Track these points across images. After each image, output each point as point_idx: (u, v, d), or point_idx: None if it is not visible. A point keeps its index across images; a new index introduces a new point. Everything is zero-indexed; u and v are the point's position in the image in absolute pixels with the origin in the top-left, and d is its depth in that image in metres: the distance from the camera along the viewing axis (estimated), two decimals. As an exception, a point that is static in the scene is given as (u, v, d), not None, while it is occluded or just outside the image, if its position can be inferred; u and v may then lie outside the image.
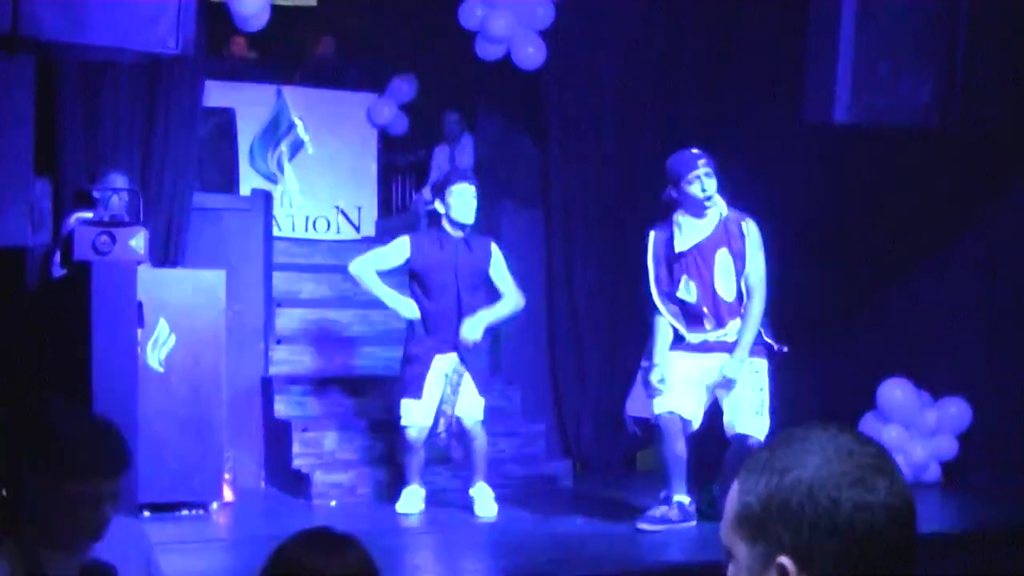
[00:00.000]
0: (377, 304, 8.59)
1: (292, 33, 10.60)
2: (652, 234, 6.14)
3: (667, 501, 5.98)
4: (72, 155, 7.27)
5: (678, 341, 6.05)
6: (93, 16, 5.31)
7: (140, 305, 5.97)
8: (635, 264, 8.54)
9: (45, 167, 6.85)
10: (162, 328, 6.47)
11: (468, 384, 6.56)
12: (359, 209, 10.36)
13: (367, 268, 6.69)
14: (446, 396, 6.51)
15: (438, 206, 6.62)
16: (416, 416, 6.49)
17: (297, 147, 10.24)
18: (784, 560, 1.44)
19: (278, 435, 7.49)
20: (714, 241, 6.00)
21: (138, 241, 5.84)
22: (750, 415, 5.93)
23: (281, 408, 7.64)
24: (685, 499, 5.99)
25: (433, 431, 6.54)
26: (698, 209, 5.97)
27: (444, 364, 6.53)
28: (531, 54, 8.21)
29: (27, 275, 6.92)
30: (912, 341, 7.49)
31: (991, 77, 6.60)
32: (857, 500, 1.43)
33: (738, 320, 5.99)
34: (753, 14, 7.83)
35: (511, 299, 6.77)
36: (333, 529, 2.33)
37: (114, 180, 7.09)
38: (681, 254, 6.02)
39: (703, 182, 5.93)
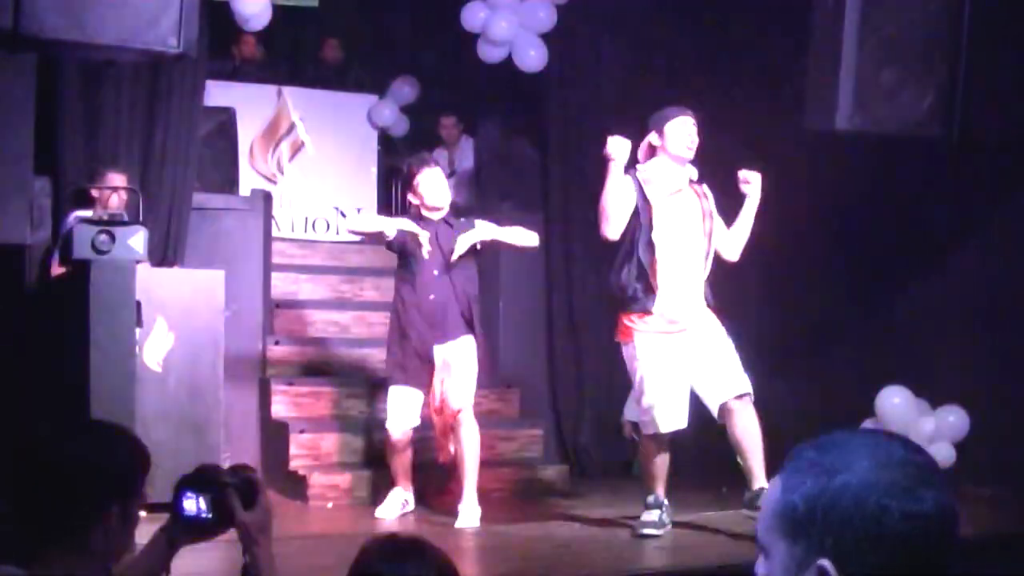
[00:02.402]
0: (375, 306, 8.61)
1: (294, 34, 10.59)
2: (628, 177, 5.96)
3: (659, 504, 5.97)
4: (72, 154, 7.26)
5: (646, 319, 5.86)
6: (95, 14, 5.30)
7: (139, 304, 5.95)
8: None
9: (45, 165, 6.84)
10: (160, 328, 6.46)
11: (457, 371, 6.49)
12: (359, 210, 10.33)
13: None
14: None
15: (412, 199, 6.61)
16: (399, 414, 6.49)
17: (297, 148, 10.22)
18: (825, 563, 1.43)
19: (275, 436, 7.48)
20: (687, 194, 5.99)
21: (137, 240, 5.83)
22: (733, 375, 5.84)
23: (278, 409, 7.63)
24: (666, 501, 5.99)
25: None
26: (679, 157, 5.94)
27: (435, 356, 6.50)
28: (533, 57, 8.21)
29: (26, 273, 6.91)
30: (911, 349, 7.48)
31: (992, 86, 6.60)
32: (906, 509, 1.42)
33: (702, 279, 5.95)
34: (755, 21, 7.83)
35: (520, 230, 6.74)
36: (400, 534, 2.36)
37: (112, 179, 7.09)
38: (658, 198, 5.93)
39: (688, 127, 5.93)
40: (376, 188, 10.53)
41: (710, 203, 6.05)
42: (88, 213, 6.66)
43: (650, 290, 5.84)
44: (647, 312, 5.84)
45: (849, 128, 6.23)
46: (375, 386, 7.76)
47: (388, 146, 10.79)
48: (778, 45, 7.37)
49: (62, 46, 5.51)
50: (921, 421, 7.21)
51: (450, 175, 10.26)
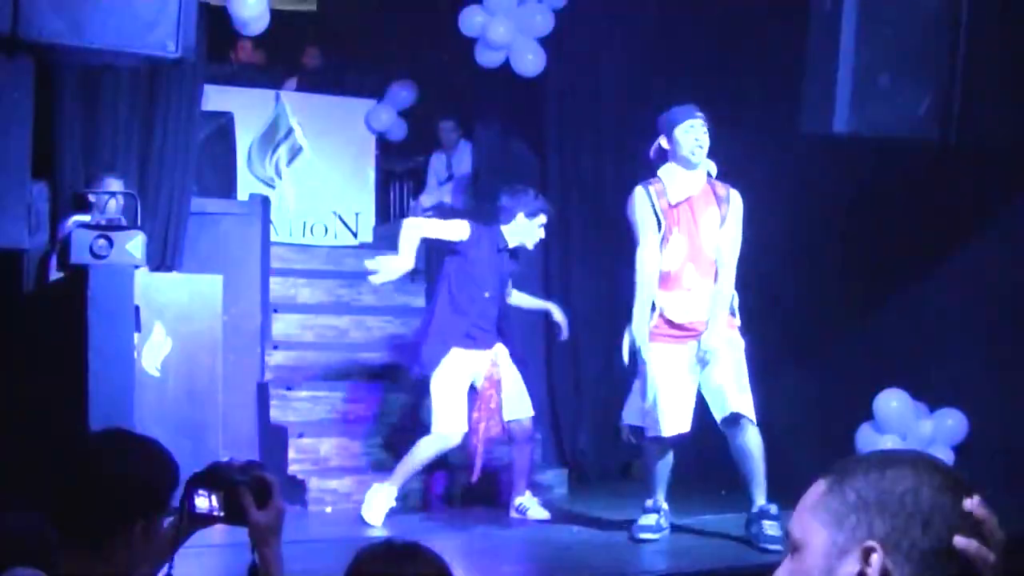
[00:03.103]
0: (373, 310, 8.61)
1: (293, 38, 10.59)
2: (639, 189, 5.98)
3: (657, 509, 5.97)
4: (70, 158, 7.26)
5: (657, 325, 5.91)
6: (93, 19, 5.30)
7: (137, 309, 5.95)
8: (631, 274, 8.56)
9: (43, 170, 6.83)
10: (158, 332, 6.46)
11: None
12: (357, 215, 10.35)
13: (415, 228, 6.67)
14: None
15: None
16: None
17: (295, 152, 10.22)
18: (872, 543, 1.42)
19: (274, 441, 7.47)
20: (704, 197, 5.95)
21: (135, 245, 5.82)
22: (740, 393, 5.83)
23: (277, 414, 7.62)
24: (666, 505, 6.02)
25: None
26: (688, 162, 5.90)
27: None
28: (530, 61, 8.22)
29: (24, 278, 6.91)
30: (909, 352, 7.48)
31: (990, 89, 6.60)
32: (951, 507, 1.45)
33: (712, 283, 5.93)
34: (753, 24, 7.83)
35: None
36: (395, 539, 2.34)
37: (110, 184, 7.08)
38: (673, 206, 5.91)
39: (697, 131, 5.88)
40: (374, 192, 10.53)
41: (730, 208, 5.99)
42: (86, 218, 6.65)
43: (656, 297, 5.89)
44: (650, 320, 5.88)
45: (846, 131, 6.23)
46: (374, 390, 7.75)
47: (386, 150, 10.79)
48: (776, 49, 7.37)
49: (60, 50, 5.52)
50: (919, 424, 7.21)
51: (448, 179, 10.28)
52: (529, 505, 6.73)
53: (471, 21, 8.22)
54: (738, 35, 8.04)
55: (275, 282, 8.36)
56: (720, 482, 7.14)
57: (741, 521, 5.91)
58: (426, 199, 10.15)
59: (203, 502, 2.52)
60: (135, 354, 6.05)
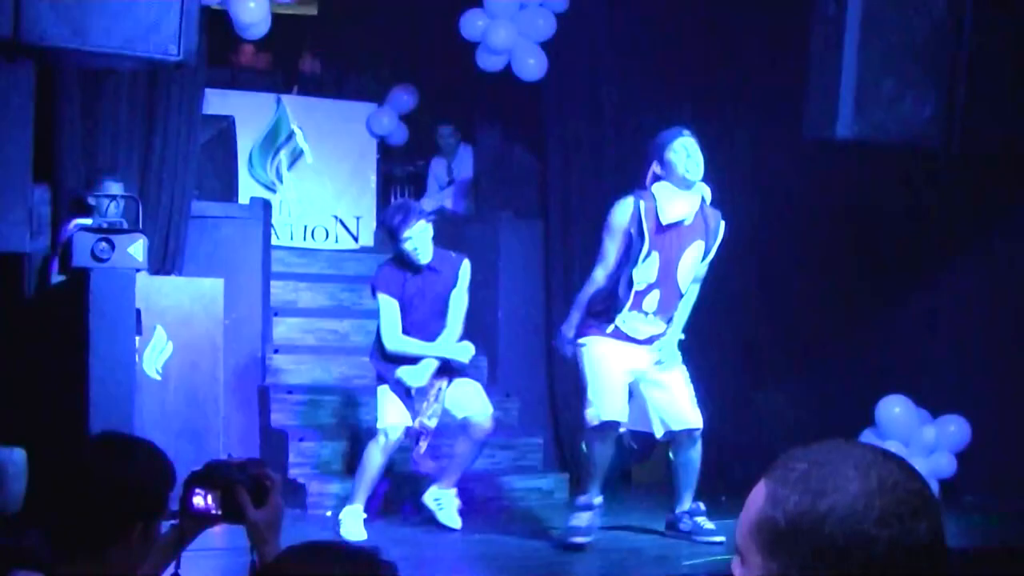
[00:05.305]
0: (374, 314, 8.59)
1: (294, 42, 10.59)
2: (630, 199, 5.86)
3: (590, 506, 5.90)
4: (71, 161, 7.24)
5: (604, 326, 5.91)
6: (95, 22, 5.29)
7: (138, 312, 5.95)
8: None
9: (44, 173, 6.82)
10: (159, 336, 6.45)
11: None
12: (358, 219, 10.33)
13: (397, 339, 6.38)
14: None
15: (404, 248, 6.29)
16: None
17: (296, 156, 10.22)
18: None
19: (275, 444, 7.46)
20: (694, 227, 5.88)
21: (137, 248, 5.82)
22: (691, 406, 5.98)
23: (278, 417, 7.61)
24: (599, 500, 5.96)
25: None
26: (684, 181, 5.79)
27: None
28: (532, 65, 8.21)
29: (25, 281, 6.90)
30: (912, 358, 7.48)
31: (994, 95, 6.60)
32: (894, 539, 1.36)
33: (671, 313, 5.97)
34: (754, 29, 7.83)
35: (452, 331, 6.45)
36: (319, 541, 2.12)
37: (109, 187, 7.08)
38: (661, 228, 5.82)
39: (688, 150, 5.79)
40: (375, 196, 10.52)
41: (716, 240, 5.96)
42: (87, 221, 6.65)
43: (616, 310, 5.88)
44: (607, 323, 5.91)
45: (849, 136, 6.22)
46: (375, 394, 7.74)
47: (387, 154, 10.79)
48: (778, 52, 7.37)
49: (61, 54, 5.51)
50: (922, 431, 7.20)
51: (448, 184, 10.27)
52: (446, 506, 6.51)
53: (472, 25, 8.22)
54: (741, 41, 8.04)
55: (276, 286, 8.35)
56: (720, 488, 7.12)
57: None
58: (427, 203, 10.12)
59: (200, 501, 2.51)
60: (136, 357, 6.05)
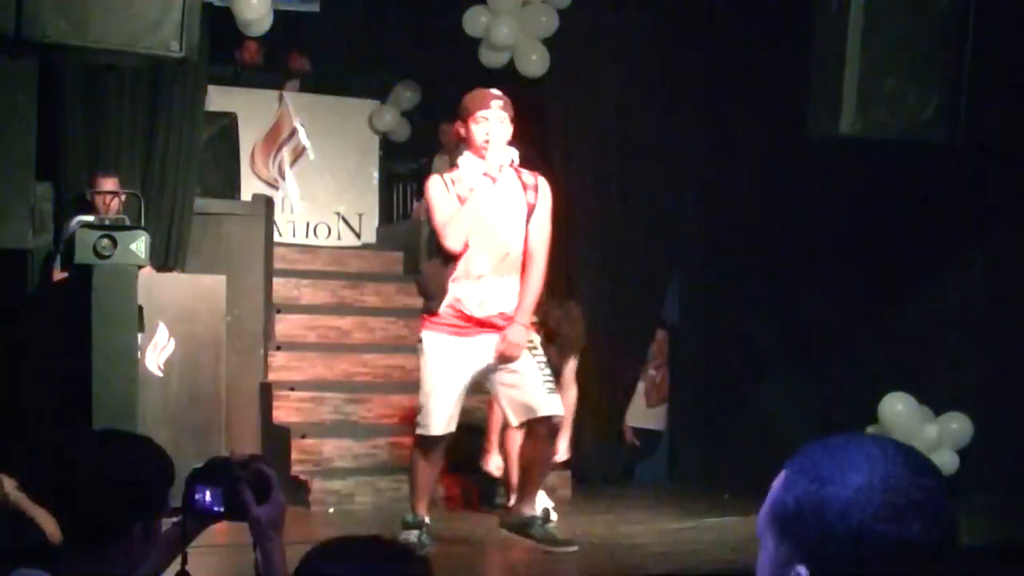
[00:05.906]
0: (376, 311, 8.60)
1: (296, 39, 10.58)
2: (436, 177, 5.51)
3: (418, 524, 5.50)
4: (74, 158, 7.26)
5: (443, 315, 5.40)
6: (97, 19, 5.29)
7: (140, 309, 5.95)
8: (635, 275, 8.55)
9: (47, 170, 6.83)
10: (162, 333, 6.46)
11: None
12: (360, 216, 10.33)
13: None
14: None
15: None
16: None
17: (299, 153, 10.22)
18: (802, 569, 1.39)
19: (277, 441, 7.46)
20: (510, 185, 5.45)
21: (139, 245, 5.82)
22: (545, 393, 5.41)
23: (280, 414, 7.62)
24: (428, 518, 5.56)
25: None
26: (481, 152, 5.36)
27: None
28: (535, 62, 8.21)
29: (28, 278, 6.91)
30: (914, 355, 7.47)
31: (996, 92, 6.60)
32: (886, 535, 1.37)
33: (515, 279, 5.41)
34: (757, 26, 7.82)
35: None
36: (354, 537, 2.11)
37: (107, 184, 7.09)
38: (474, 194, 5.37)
39: (490, 125, 5.35)
40: (378, 193, 10.52)
41: (539, 198, 5.51)
42: (90, 218, 6.65)
43: (442, 291, 5.41)
44: (435, 313, 5.42)
45: (853, 133, 6.22)
46: (377, 391, 7.75)
47: (389, 151, 10.78)
48: (782, 51, 7.37)
49: (64, 51, 5.51)
50: (924, 428, 7.19)
51: (451, 181, 10.26)
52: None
53: (475, 22, 8.22)
54: (744, 38, 8.03)
55: (278, 283, 8.36)
56: (722, 484, 7.14)
57: (742, 523, 5.89)
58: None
59: (203, 498, 2.50)
60: (138, 354, 6.05)
